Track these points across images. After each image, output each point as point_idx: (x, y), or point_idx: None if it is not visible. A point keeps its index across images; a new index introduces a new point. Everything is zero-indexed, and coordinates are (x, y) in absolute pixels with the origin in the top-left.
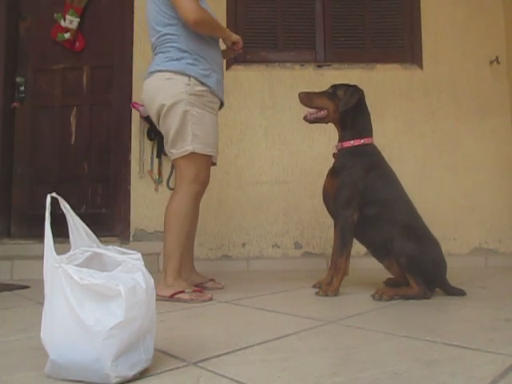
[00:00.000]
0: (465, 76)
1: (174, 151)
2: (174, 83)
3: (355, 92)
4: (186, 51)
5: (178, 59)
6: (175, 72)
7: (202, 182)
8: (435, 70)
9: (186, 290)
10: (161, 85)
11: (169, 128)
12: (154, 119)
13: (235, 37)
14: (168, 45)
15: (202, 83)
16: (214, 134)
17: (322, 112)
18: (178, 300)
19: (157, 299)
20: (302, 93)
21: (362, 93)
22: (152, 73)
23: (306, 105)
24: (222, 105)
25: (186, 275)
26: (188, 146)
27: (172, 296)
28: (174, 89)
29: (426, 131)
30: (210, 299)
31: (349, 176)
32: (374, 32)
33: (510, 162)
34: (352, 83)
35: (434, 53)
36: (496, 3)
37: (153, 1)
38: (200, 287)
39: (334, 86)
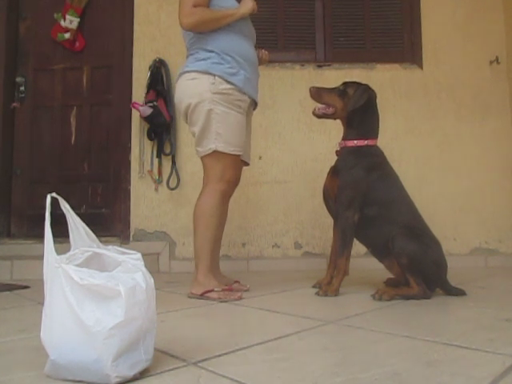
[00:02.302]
0: (465, 76)
1: (200, 149)
2: (199, 83)
3: (365, 91)
4: (212, 51)
5: (204, 59)
6: (200, 72)
7: (228, 181)
8: (435, 70)
9: (216, 289)
10: (187, 85)
11: (195, 126)
12: (183, 118)
13: (243, 9)
14: (196, 46)
15: (228, 81)
16: (239, 133)
17: (331, 109)
18: (208, 298)
19: (190, 297)
20: (313, 87)
21: (373, 93)
22: (181, 74)
23: (315, 100)
24: (256, 104)
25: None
26: (211, 145)
27: (202, 294)
28: (198, 88)
29: (426, 131)
30: (240, 298)
31: (350, 176)
32: (374, 32)
33: (510, 162)
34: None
35: (434, 53)
36: (496, 3)
37: None
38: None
39: (346, 84)
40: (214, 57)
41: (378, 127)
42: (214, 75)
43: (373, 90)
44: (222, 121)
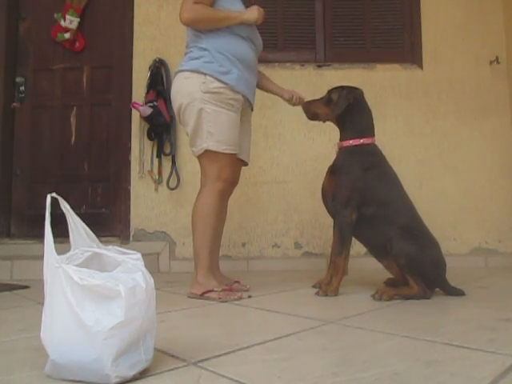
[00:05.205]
0: (465, 76)
1: (195, 149)
2: (190, 82)
3: (348, 94)
4: (206, 49)
5: (197, 58)
6: (192, 71)
7: (225, 180)
8: (435, 70)
9: (215, 289)
10: (180, 84)
11: (187, 126)
12: (177, 119)
13: (247, 16)
14: (192, 44)
15: (219, 80)
16: (232, 132)
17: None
18: (208, 298)
19: (190, 297)
20: (304, 103)
21: (359, 92)
22: (176, 73)
23: (306, 112)
24: (251, 106)
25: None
26: (204, 144)
27: (202, 294)
28: (189, 87)
29: (425, 131)
30: (240, 298)
31: (347, 175)
32: (374, 32)
33: (510, 162)
34: (350, 84)
35: (434, 53)
36: (496, 3)
37: None
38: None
39: (330, 91)
40: (207, 55)
41: (372, 125)
42: (205, 74)
43: (358, 89)
44: (212, 120)
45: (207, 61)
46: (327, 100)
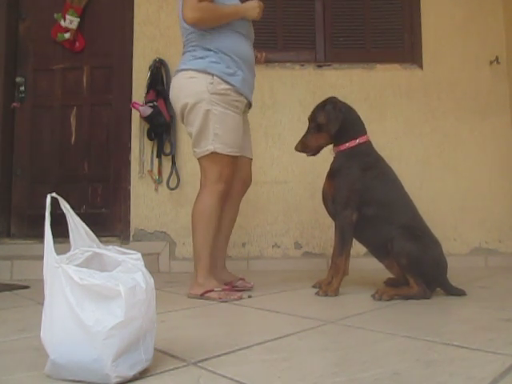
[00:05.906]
0: (465, 76)
1: (198, 150)
2: (197, 82)
3: (334, 107)
4: (210, 49)
5: (202, 57)
6: (198, 70)
7: (226, 181)
8: (435, 70)
9: (216, 289)
10: (184, 83)
11: (192, 127)
12: (178, 118)
13: (249, 13)
14: (193, 43)
15: (226, 82)
16: (237, 134)
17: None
18: (208, 298)
19: (189, 297)
20: (296, 146)
21: (337, 99)
22: (177, 71)
23: (306, 152)
24: (250, 105)
25: (217, 274)
26: (209, 146)
27: (202, 294)
28: (196, 87)
29: (425, 131)
30: (240, 298)
31: (345, 176)
32: (374, 32)
33: (510, 162)
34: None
35: (434, 53)
36: (496, 4)
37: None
38: (229, 286)
39: (312, 117)
40: (212, 55)
41: (362, 122)
42: (213, 75)
43: (334, 97)
44: (219, 121)
45: (213, 61)
46: (317, 127)
